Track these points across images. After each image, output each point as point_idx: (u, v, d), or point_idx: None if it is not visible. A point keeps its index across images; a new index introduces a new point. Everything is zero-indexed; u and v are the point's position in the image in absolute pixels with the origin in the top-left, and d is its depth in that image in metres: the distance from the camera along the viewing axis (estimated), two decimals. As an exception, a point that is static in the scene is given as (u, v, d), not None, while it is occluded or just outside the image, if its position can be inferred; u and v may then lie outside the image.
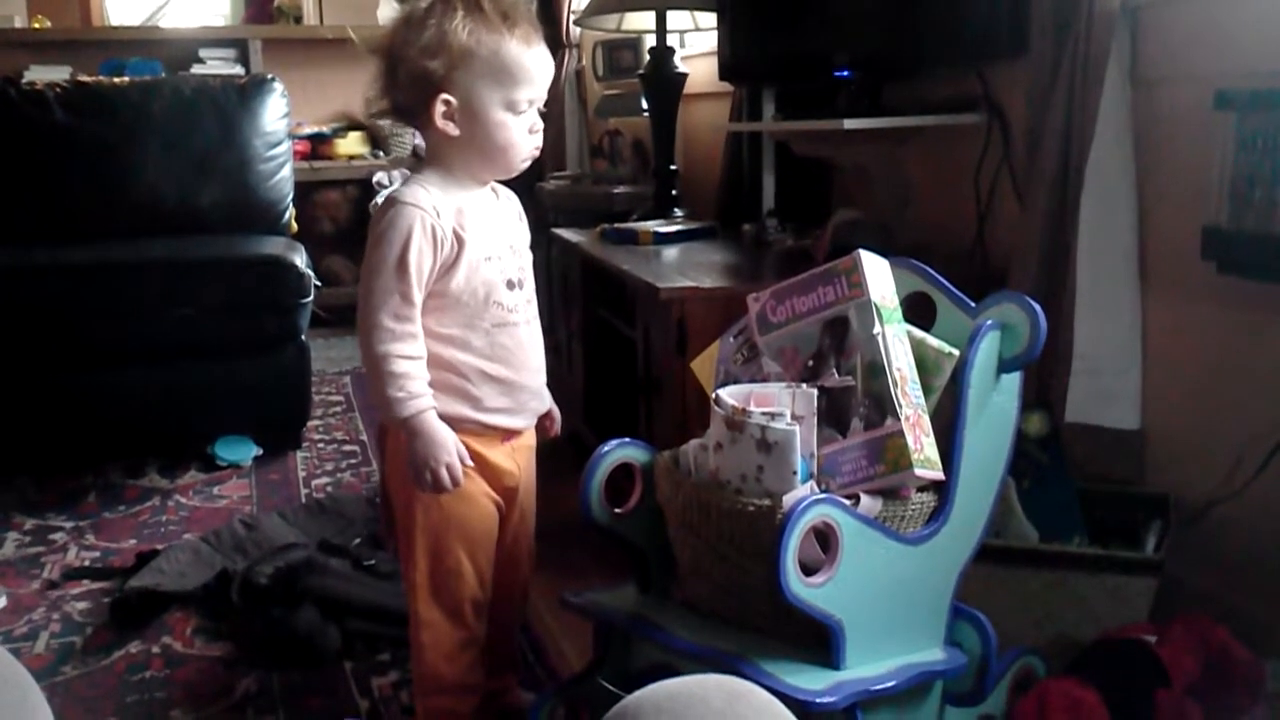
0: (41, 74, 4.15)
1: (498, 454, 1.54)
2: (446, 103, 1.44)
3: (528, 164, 1.52)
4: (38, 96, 3.32)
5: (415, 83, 1.45)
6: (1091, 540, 1.73)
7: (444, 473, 1.45)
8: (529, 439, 1.61)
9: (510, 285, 1.51)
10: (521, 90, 1.45)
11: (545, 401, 1.61)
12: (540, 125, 1.50)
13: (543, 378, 1.59)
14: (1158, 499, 1.79)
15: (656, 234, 2.80)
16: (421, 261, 1.43)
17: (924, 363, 1.39)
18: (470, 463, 1.49)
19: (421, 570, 1.53)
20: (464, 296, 1.47)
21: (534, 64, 1.46)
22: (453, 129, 1.46)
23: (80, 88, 3.44)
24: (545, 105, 1.51)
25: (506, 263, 1.51)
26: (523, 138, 1.48)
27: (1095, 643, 1.56)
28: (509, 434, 1.55)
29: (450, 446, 1.46)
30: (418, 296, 1.44)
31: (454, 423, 1.47)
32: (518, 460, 1.58)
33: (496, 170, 1.52)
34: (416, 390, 1.44)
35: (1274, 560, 1.65)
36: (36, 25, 4.85)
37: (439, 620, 1.54)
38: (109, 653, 1.96)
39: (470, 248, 1.46)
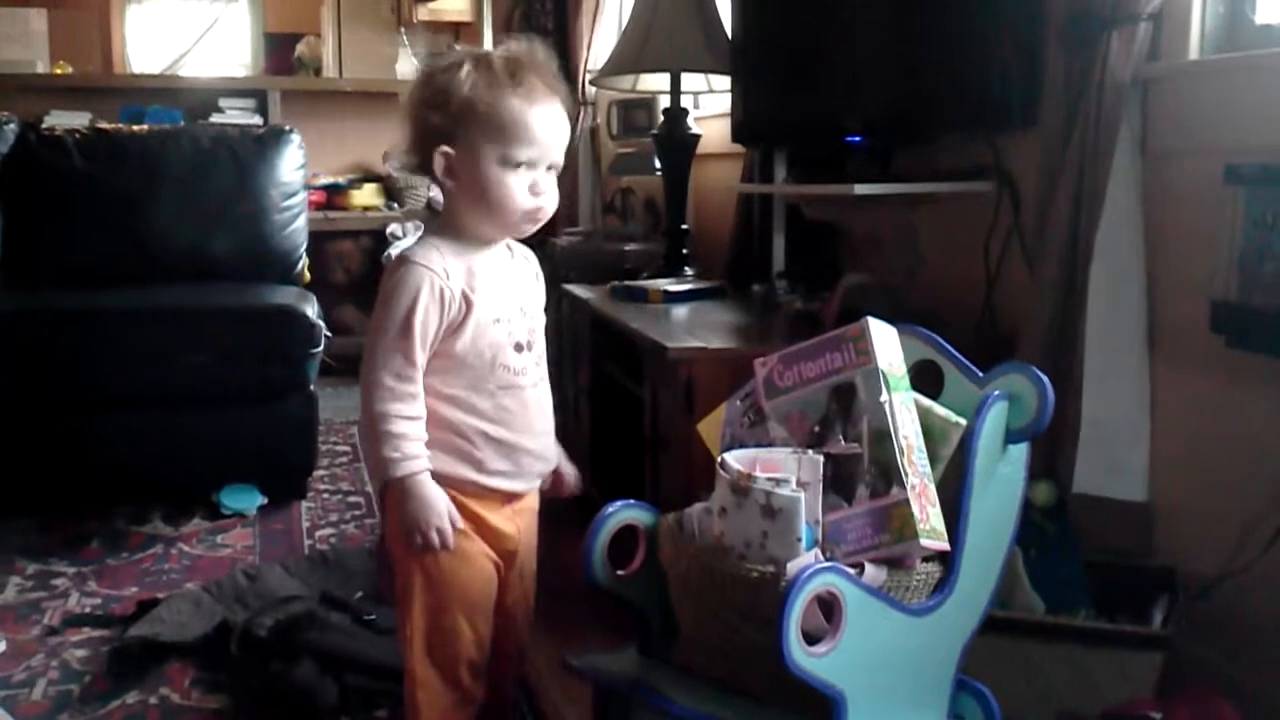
0: (62, 119, 4.20)
1: (498, 517, 1.54)
2: (445, 155, 1.45)
3: (531, 226, 1.50)
4: (57, 142, 3.37)
5: (421, 136, 1.47)
6: (1098, 613, 1.71)
7: (434, 535, 1.45)
8: (531, 502, 1.60)
9: (519, 348, 1.51)
10: (518, 148, 1.44)
11: (551, 462, 1.60)
12: (546, 187, 1.47)
13: (549, 439, 1.58)
14: (1164, 572, 1.77)
15: (666, 292, 2.81)
16: (428, 323, 1.43)
17: (931, 432, 1.38)
18: (461, 524, 1.48)
19: (418, 628, 1.51)
20: (469, 358, 1.47)
21: (537, 122, 1.44)
22: (450, 182, 1.47)
23: (99, 134, 3.49)
24: (551, 166, 1.48)
25: (516, 325, 1.51)
26: (521, 196, 1.45)
27: (1100, 717, 1.55)
28: (510, 497, 1.55)
29: (441, 509, 1.45)
30: (420, 358, 1.44)
31: (455, 484, 1.47)
32: (518, 523, 1.57)
33: (496, 228, 1.50)
34: (411, 451, 1.44)
35: (1282, 638, 1.63)
36: (58, 70, 4.92)
37: (434, 680, 1.52)
38: (106, 702, 1.95)
39: (479, 309, 1.46)
